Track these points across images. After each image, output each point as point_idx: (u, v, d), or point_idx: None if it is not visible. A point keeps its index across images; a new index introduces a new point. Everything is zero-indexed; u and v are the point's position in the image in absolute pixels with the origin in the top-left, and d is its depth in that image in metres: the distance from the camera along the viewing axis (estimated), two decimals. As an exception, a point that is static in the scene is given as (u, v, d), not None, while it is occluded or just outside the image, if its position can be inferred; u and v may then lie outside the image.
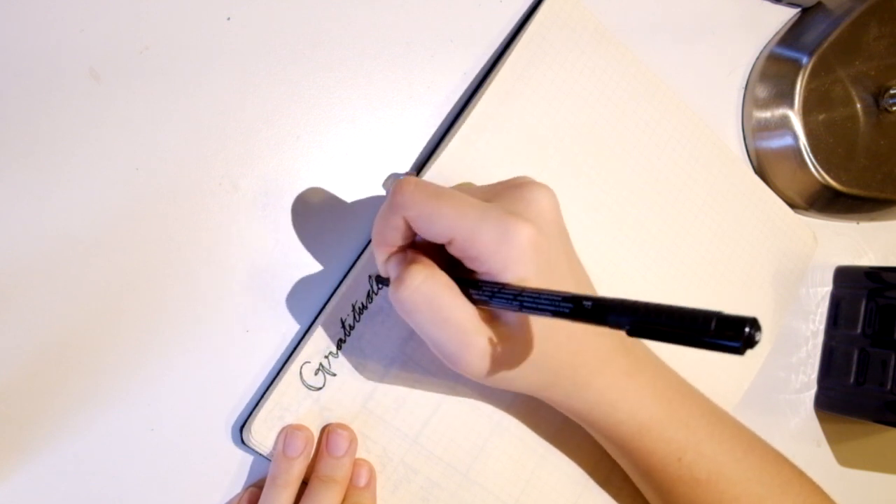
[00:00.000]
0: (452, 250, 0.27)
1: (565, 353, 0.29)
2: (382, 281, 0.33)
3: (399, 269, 0.27)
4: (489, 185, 0.30)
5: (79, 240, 0.31)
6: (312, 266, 0.35)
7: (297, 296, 0.34)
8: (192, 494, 0.33)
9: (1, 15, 0.29)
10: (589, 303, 0.22)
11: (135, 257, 0.32)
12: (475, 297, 0.27)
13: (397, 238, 0.28)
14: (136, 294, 0.32)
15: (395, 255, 0.29)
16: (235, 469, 0.34)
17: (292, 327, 0.34)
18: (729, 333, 0.18)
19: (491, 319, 0.27)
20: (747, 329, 0.18)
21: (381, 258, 0.29)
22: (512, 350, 0.28)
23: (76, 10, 0.30)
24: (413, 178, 0.27)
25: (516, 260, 0.26)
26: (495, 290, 0.26)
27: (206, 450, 0.33)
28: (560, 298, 0.23)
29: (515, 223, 0.26)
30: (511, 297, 0.25)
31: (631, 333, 0.21)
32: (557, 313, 0.23)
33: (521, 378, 0.29)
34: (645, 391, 0.32)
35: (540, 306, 0.24)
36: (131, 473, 0.32)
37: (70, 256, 0.31)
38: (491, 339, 0.27)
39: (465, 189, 0.29)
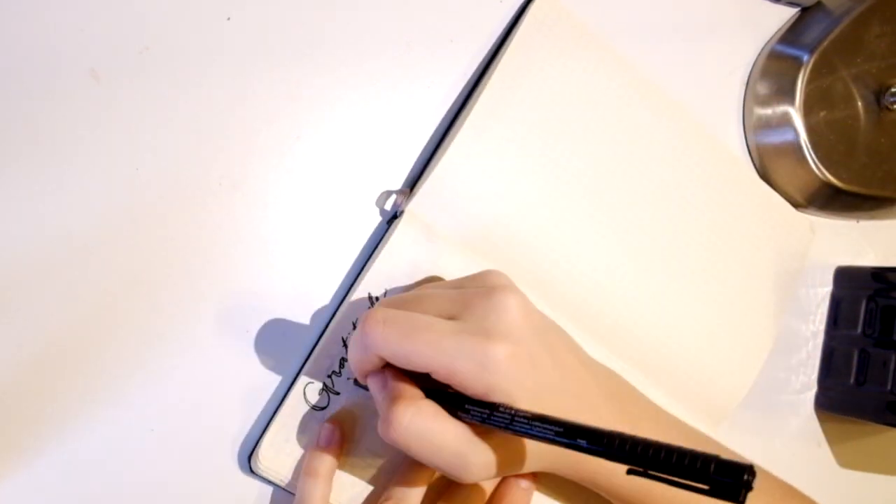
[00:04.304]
0: (435, 377, 0.27)
1: None
2: (362, 386, 0.33)
3: (384, 407, 0.27)
4: (457, 282, 0.31)
5: (79, 240, 0.31)
6: (313, 266, 0.35)
7: (298, 296, 0.34)
8: (191, 495, 0.33)
9: (1, 15, 0.29)
10: (584, 441, 0.22)
11: (135, 257, 0.32)
12: (466, 419, 0.27)
13: (375, 367, 0.28)
14: (136, 294, 0.32)
15: (376, 378, 0.29)
16: (231, 468, 0.34)
17: (292, 327, 0.34)
18: (726, 480, 0.19)
19: (485, 430, 0.27)
20: (745, 476, 0.18)
21: (361, 378, 0.30)
22: (513, 449, 0.28)
23: (76, 10, 0.30)
24: (380, 313, 0.27)
25: (500, 383, 0.26)
26: (485, 415, 0.25)
27: (205, 449, 0.33)
28: (553, 432, 0.23)
29: (492, 347, 0.26)
30: (504, 422, 0.25)
31: (629, 473, 0.21)
32: (555, 442, 0.23)
33: (528, 466, 0.29)
34: None
35: (535, 433, 0.24)
36: (131, 474, 0.32)
37: (70, 256, 0.31)
38: (488, 451, 0.27)
39: (434, 293, 0.29)
